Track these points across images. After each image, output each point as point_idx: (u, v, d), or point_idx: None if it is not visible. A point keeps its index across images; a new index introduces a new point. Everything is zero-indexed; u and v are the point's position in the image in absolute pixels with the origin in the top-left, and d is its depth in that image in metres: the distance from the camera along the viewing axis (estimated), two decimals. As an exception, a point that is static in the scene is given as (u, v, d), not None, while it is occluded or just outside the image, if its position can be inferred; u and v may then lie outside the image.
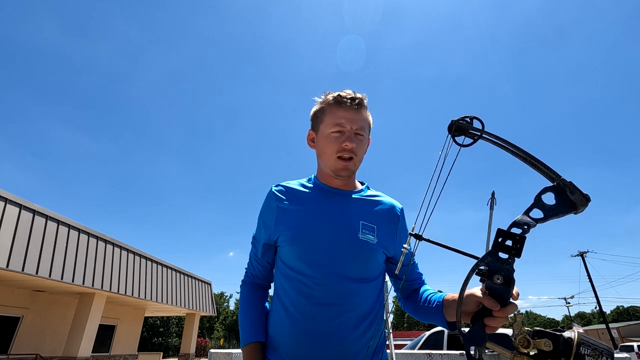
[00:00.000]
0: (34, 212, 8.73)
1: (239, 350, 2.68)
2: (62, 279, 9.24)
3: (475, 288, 0.71)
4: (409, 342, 8.15)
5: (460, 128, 0.70)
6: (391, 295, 1.10)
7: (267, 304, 1.13)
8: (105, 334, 14.52)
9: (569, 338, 0.52)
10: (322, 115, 1.08)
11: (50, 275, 8.88)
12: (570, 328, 0.54)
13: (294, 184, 1.14)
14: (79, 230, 10.24)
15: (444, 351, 3.17)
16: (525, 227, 0.60)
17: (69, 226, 9.86)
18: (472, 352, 0.58)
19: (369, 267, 0.99)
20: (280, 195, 1.09)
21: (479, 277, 0.63)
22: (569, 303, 37.70)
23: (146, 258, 13.51)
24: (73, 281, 9.60)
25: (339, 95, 1.05)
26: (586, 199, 0.58)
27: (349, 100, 1.03)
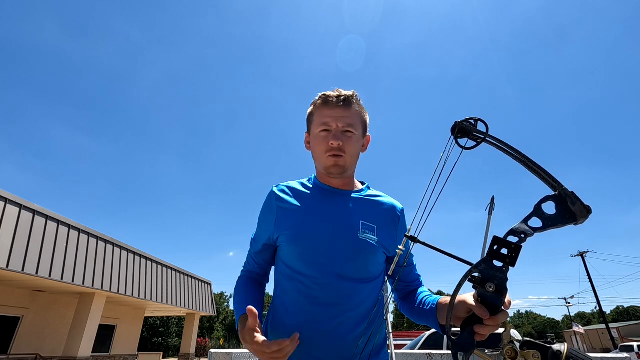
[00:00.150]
0: (34, 212, 8.73)
1: (239, 350, 2.68)
2: (62, 279, 9.24)
3: (468, 294, 0.71)
4: (409, 342, 8.15)
5: (464, 130, 0.69)
6: (391, 295, 1.10)
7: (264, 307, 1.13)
8: (105, 334, 14.52)
9: (558, 351, 0.52)
10: (312, 117, 1.09)
11: (50, 275, 8.88)
12: (559, 340, 0.54)
13: (294, 184, 1.15)
14: (79, 230, 10.24)
15: (444, 351, 3.16)
16: (523, 236, 0.59)
17: (69, 226, 9.86)
18: (459, 359, 0.58)
19: (369, 267, 0.99)
20: (280, 195, 1.10)
21: (472, 284, 0.62)
22: (569, 303, 37.70)
23: (146, 258, 13.50)
24: (73, 281, 9.60)
25: (324, 94, 1.05)
26: (587, 211, 0.57)
27: (334, 99, 1.03)
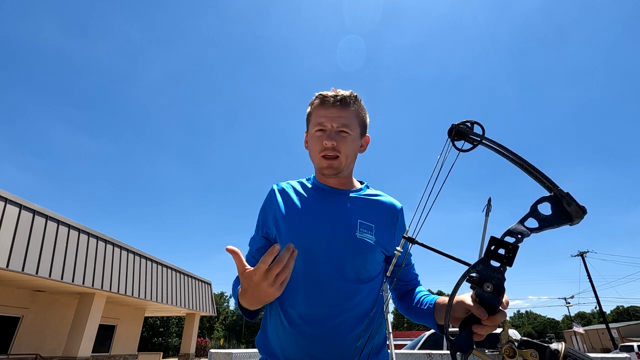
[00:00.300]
0: (34, 212, 8.73)
1: (239, 350, 2.68)
2: (62, 279, 9.24)
3: (466, 294, 0.72)
4: (409, 342, 8.15)
5: (461, 132, 0.70)
6: (390, 295, 1.10)
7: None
8: (105, 334, 14.52)
9: (556, 350, 0.52)
10: (310, 117, 1.10)
11: (50, 275, 8.88)
12: (558, 340, 0.54)
13: (294, 183, 1.15)
14: (79, 230, 10.24)
15: (444, 351, 3.17)
16: (519, 236, 0.60)
17: (69, 226, 9.86)
18: (458, 359, 0.58)
19: (368, 267, 0.99)
20: (280, 194, 1.10)
21: (470, 284, 0.63)
22: (569, 303, 37.70)
23: (146, 258, 13.50)
24: (73, 281, 9.60)
25: (321, 94, 1.06)
26: (582, 212, 0.57)
27: (330, 99, 1.03)
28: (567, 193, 0.59)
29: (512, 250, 0.59)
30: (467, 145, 0.70)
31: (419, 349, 6.62)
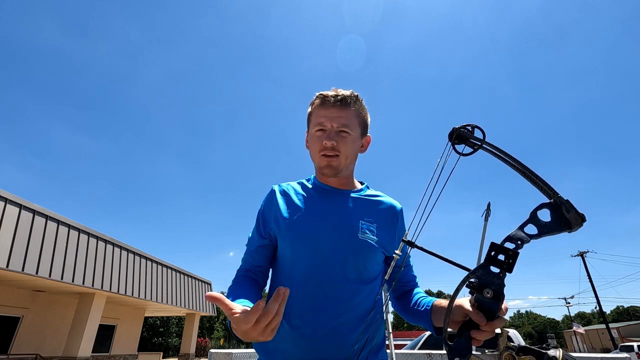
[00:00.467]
0: (34, 212, 8.72)
1: (239, 350, 2.68)
2: (62, 279, 9.24)
3: (464, 299, 0.72)
4: (409, 342, 8.15)
5: (461, 136, 0.69)
6: (389, 296, 1.10)
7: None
8: (105, 334, 14.52)
9: (554, 357, 0.53)
10: (310, 117, 1.10)
11: (50, 275, 8.88)
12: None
13: (294, 184, 1.15)
14: (79, 230, 10.24)
15: (444, 351, 3.16)
16: (519, 242, 0.60)
17: (69, 226, 9.86)
18: None
19: (369, 267, 0.99)
20: (280, 194, 1.10)
21: (469, 289, 0.63)
22: (569, 303, 37.70)
23: (146, 258, 13.50)
24: (73, 281, 9.60)
25: (321, 94, 1.05)
26: (582, 219, 0.58)
27: (331, 99, 1.03)
28: (567, 200, 0.59)
29: (512, 256, 0.59)
30: (468, 150, 0.70)
31: (419, 349, 6.61)
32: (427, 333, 7.06)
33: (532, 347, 0.55)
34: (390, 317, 4.32)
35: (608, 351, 28.27)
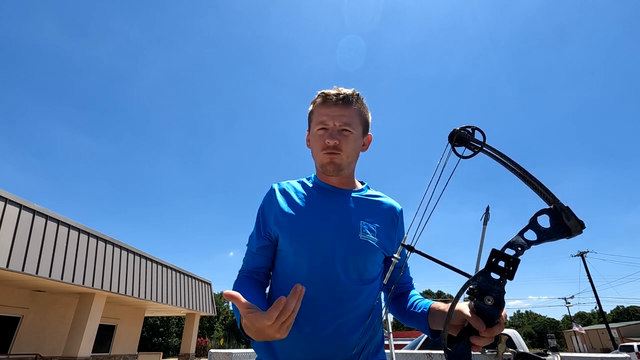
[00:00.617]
0: (34, 212, 8.72)
1: (239, 350, 2.68)
2: (62, 279, 9.23)
3: (464, 304, 0.71)
4: (409, 342, 8.15)
5: (461, 138, 0.69)
6: (389, 300, 1.09)
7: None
8: (105, 334, 14.51)
9: None
10: (312, 115, 1.09)
11: (50, 275, 8.88)
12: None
13: (294, 183, 1.14)
14: (79, 230, 10.23)
15: (442, 348, 3.17)
16: (519, 248, 0.60)
17: (69, 226, 9.85)
18: None
19: (369, 268, 0.99)
20: (280, 193, 1.09)
21: (468, 295, 0.63)
22: (569, 303, 37.67)
23: (146, 258, 13.49)
24: (73, 281, 9.59)
25: (323, 92, 1.05)
26: (581, 226, 0.57)
27: (333, 97, 1.03)
28: (567, 207, 0.59)
29: (513, 263, 0.58)
30: (468, 152, 0.69)
31: (419, 349, 6.61)
32: (427, 333, 7.04)
33: (531, 353, 0.55)
34: (391, 317, 4.32)
35: (608, 351, 28.25)
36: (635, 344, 19.56)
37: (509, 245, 0.60)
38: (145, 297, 12.84)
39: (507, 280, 0.59)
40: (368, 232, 0.99)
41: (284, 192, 1.09)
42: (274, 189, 1.10)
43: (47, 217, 9.11)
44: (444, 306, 0.88)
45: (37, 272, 8.49)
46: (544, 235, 0.60)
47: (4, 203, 7.89)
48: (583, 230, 0.58)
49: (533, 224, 0.61)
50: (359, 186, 1.15)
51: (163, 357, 26.73)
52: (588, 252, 28.37)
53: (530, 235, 0.61)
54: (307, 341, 0.91)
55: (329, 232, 0.98)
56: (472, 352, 0.63)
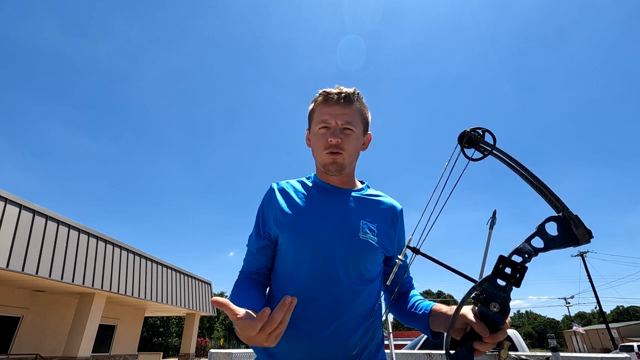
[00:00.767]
0: (34, 212, 8.72)
1: (239, 350, 2.68)
2: (62, 279, 9.23)
3: (467, 307, 0.71)
4: (409, 342, 8.14)
5: (471, 140, 0.67)
6: (391, 303, 1.09)
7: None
8: (105, 334, 14.51)
9: None
10: (313, 114, 1.09)
11: (50, 275, 8.87)
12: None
13: (293, 182, 1.13)
14: (79, 230, 10.23)
15: (444, 351, 3.16)
16: (526, 256, 0.59)
17: (69, 226, 9.85)
18: None
19: (369, 268, 0.98)
20: (279, 193, 1.08)
21: (473, 300, 0.62)
22: (569, 303, 37.67)
23: (146, 258, 13.49)
24: (73, 281, 9.59)
25: (324, 91, 1.05)
26: (589, 235, 0.57)
27: (335, 96, 1.02)
28: (576, 215, 0.58)
29: (521, 270, 0.58)
30: (477, 154, 0.67)
31: (419, 349, 6.61)
32: (427, 333, 7.03)
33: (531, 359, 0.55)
34: (391, 317, 4.31)
35: (608, 351, 28.24)
36: (635, 344, 19.55)
37: (516, 252, 0.59)
38: (145, 297, 12.84)
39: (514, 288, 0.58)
40: (368, 231, 0.99)
41: (283, 192, 1.08)
42: (274, 189, 1.10)
43: (47, 217, 9.10)
44: (446, 309, 0.88)
45: (37, 272, 8.49)
46: (552, 243, 0.59)
47: (4, 203, 7.89)
48: (591, 240, 0.57)
49: (540, 231, 0.60)
50: (359, 185, 1.14)
51: (163, 357, 26.73)
52: (588, 252, 28.37)
53: (538, 242, 0.60)
54: (306, 341, 0.91)
55: (329, 232, 0.97)
56: (474, 357, 0.63)
